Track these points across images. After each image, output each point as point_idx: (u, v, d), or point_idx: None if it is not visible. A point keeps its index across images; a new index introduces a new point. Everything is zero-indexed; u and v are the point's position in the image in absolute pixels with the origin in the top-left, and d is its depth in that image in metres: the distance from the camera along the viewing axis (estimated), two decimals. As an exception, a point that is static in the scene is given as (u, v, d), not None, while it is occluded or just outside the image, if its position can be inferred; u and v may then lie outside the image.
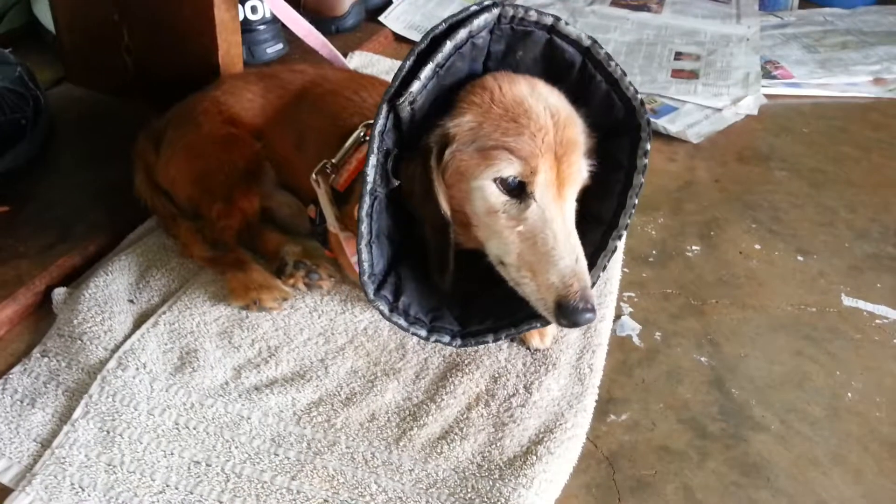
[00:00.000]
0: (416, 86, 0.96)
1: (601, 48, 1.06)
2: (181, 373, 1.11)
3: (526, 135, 0.98)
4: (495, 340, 1.13)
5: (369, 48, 2.14)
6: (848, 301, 1.39)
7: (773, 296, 1.39)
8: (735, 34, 2.42)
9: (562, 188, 1.01)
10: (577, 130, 1.03)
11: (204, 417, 1.05)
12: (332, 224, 1.21)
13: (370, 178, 0.97)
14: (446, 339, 1.10)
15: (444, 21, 0.97)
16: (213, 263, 1.28)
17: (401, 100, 0.97)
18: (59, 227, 1.37)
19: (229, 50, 1.57)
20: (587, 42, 1.06)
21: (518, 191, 1.00)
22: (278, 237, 1.33)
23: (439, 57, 0.97)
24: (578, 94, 1.08)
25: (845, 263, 1.49)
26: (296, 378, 1.12)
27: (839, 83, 2.20)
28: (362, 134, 1.22)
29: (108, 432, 1.03)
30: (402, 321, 1.07)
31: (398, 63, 2.02)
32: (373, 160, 0.97)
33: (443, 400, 1.10)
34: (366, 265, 1.02)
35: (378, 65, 2.04)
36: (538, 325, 1.11)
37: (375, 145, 0.96)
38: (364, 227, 0.99)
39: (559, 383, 1.15)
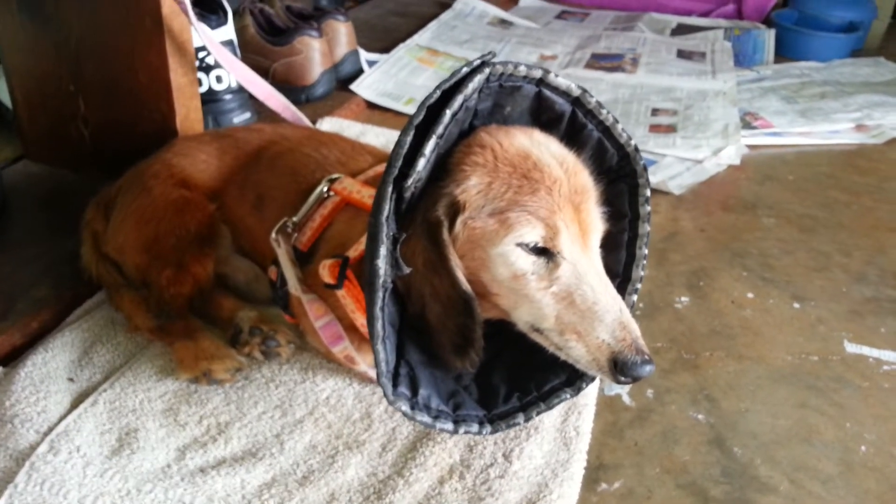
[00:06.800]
0: (421, 163, 0.89)
1: (591, 97, 1.03)
2: (118, 456, 0.99)
3: (542, 190, 0.92)
4: (527, 420, 1.02)
5: (340, 115, 2.10)
6: (851, 347, 1.29)
7: (771, 345, 1.29)
8: (711, 89, 2.40)
9: (586, 238, 0.95)
10: (586, 175, 0.98)
11: (140, 505, 0.94)
12: (293, 286, 1.13)
13: (381, 271, 0.87)
14: (475, 428, 0.99)
15: (438, 88, 0.90)
16: (159, 334, 1.18)
17: (408, 181, 0.89)
18: (0, 303, 1.28)
19: (188, 115, 1.51)
20: (577, 92, 1.02)
21: (544, 249, 0.92)
22: (233, 303, 1.24)
23: (440, 129, 0.89)
24: (569, 144, 1.03)
25: (845, 308, 1.40)
26: (247, 457, 1.01)
27: (821, 131, 2.16)
28: (325, 189, 1.16)
29: (32, 527, 0.91)
30: (426, 418, 0.95)
31: (369, 127, 2.03)
32: (382, 251, 0.87)
33: (411, 474, 0.99)
34: (383, 365, 0.90)
35: (348, 130, 1.98)
36: (569, 395, 1.03)
37: (383, 233, 0.87)
38: (379, 325, 0.89)
39: (542, 449, 1.04)
